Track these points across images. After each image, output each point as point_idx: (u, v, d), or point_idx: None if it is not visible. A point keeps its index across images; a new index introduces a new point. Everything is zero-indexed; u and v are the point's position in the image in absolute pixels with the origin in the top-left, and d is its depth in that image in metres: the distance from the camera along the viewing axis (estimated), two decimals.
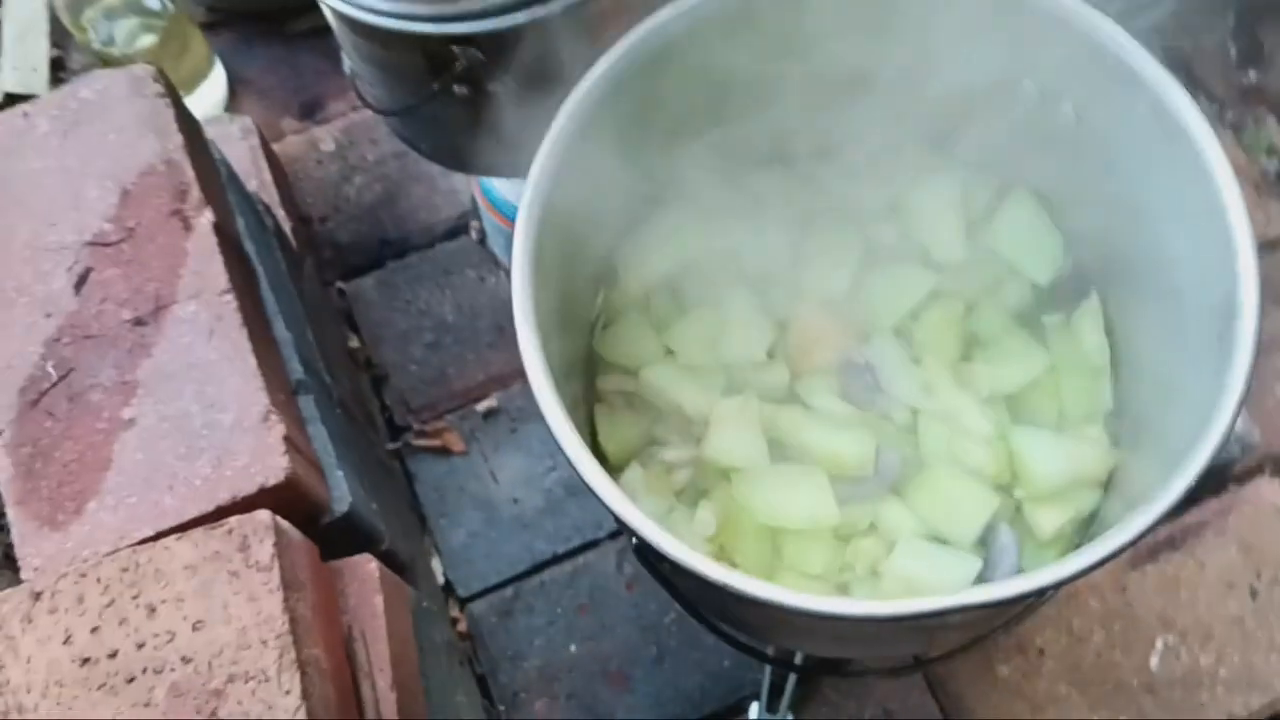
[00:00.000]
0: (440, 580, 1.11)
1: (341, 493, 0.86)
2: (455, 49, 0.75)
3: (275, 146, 1.28)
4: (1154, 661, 1.03)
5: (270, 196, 1.15)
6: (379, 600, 0.83)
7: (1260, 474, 1.13)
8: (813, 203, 0.76)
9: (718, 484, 0.72)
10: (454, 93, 0.79)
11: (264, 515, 0.75)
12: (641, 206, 0.75)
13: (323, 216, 1.25)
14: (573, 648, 1.08)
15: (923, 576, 0.67)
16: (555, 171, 0.61)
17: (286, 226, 1.13)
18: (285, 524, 0.76)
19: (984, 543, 0.70)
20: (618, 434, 0.74)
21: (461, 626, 1.09)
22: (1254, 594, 1.05)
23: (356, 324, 1.21)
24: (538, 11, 0.70)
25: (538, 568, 1.11)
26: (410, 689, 0.85)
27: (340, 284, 1.23)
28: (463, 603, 1.10)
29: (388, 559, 0.93)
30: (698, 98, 0.70)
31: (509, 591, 1.11)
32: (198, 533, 0.75)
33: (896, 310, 0.75)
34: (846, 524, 0.70)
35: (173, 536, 0.75)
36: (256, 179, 1.15)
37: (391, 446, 1.15)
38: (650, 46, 0.64)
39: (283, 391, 0.86)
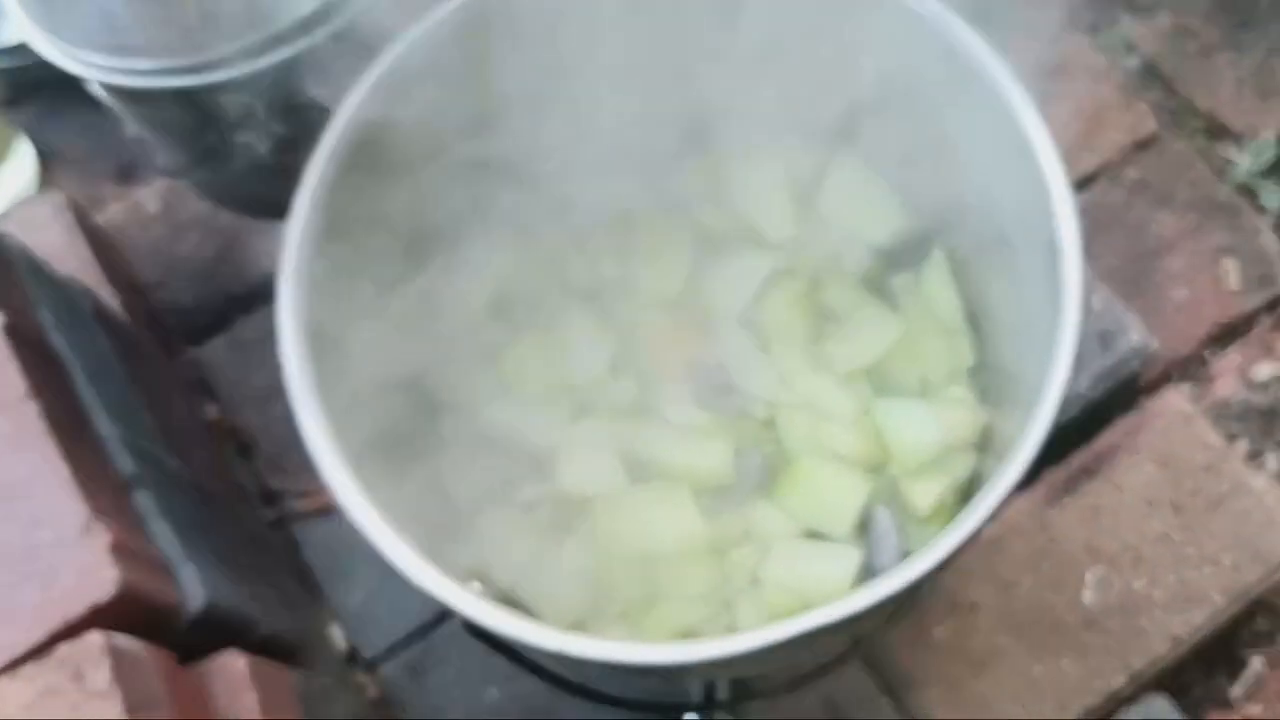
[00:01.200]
0: (343, 647, 1.05)
1: (195, 589, 0.79)
2: (221, 99, 0.69)
3: (99, 217, 1.20)
4: (1087, 595, 1.00)
5: (92, 274, 1.07)
6: (253, 697, 0.77)
7: (1166, 384, 1.10)
8: (635, 198, 0.71)
9: (580, 517, 0.67)
10: (236, 143, 0.73)
11: (95, 638, 0.68)
12: (448, 236, 0.69)
13: (158, 282, 1.18)
14: (494, 691, 1.02)
15: (802, 578, 0.62)
16: (317, 225, 0.55)
17: (114, 303, 1.06)
18: (124, 640, 0.70)
19: (864, 529, 0.66)
20: (468, 479, 0.69)
21: (373, 692, 1.03)
22: (1177, 508, 1.02)
23: (214, 390, 1.14)
24: (283, 53, 0.64)
25: (444, 615, 1.05)
26: None
27: (191, 350, 1.16)
28: (370, 666, 1.04)
29: (267, 645, 0.87)
30: (480, 108, 0.64)
31: (418, 646, 1.05)
32: (29, 668, 0.69)
33: (737, 300, 0.70)
34: (718, 537, 0.65)
35: (4, 677, 0.69)
36: (75, 258, 1.08)
37: (270, 517, 1.08)
38: (406, 68, 0.58)
39: (109, 493, 0.79)
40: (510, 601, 0.64)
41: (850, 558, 0.63)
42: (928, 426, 0.65)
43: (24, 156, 1.18)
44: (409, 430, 0.64)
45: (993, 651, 1.00)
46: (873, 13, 0.58)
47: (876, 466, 0.67)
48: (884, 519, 0.64)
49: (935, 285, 0.68)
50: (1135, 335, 1.07)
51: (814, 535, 0.65)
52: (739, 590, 0.65)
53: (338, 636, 1.06)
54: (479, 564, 0.66)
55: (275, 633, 0.91)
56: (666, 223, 0.71)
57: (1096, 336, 1.07)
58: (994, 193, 0.58)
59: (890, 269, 0.70)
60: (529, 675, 0.97)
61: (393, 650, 1.05)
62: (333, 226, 0.57)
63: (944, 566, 0.48)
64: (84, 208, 1.15)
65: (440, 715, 1.03)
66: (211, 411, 1.13)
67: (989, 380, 0.68)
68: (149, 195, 1.22)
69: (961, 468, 0.66)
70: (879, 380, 0.69)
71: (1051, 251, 0.52)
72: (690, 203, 0.72)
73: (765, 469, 0.66)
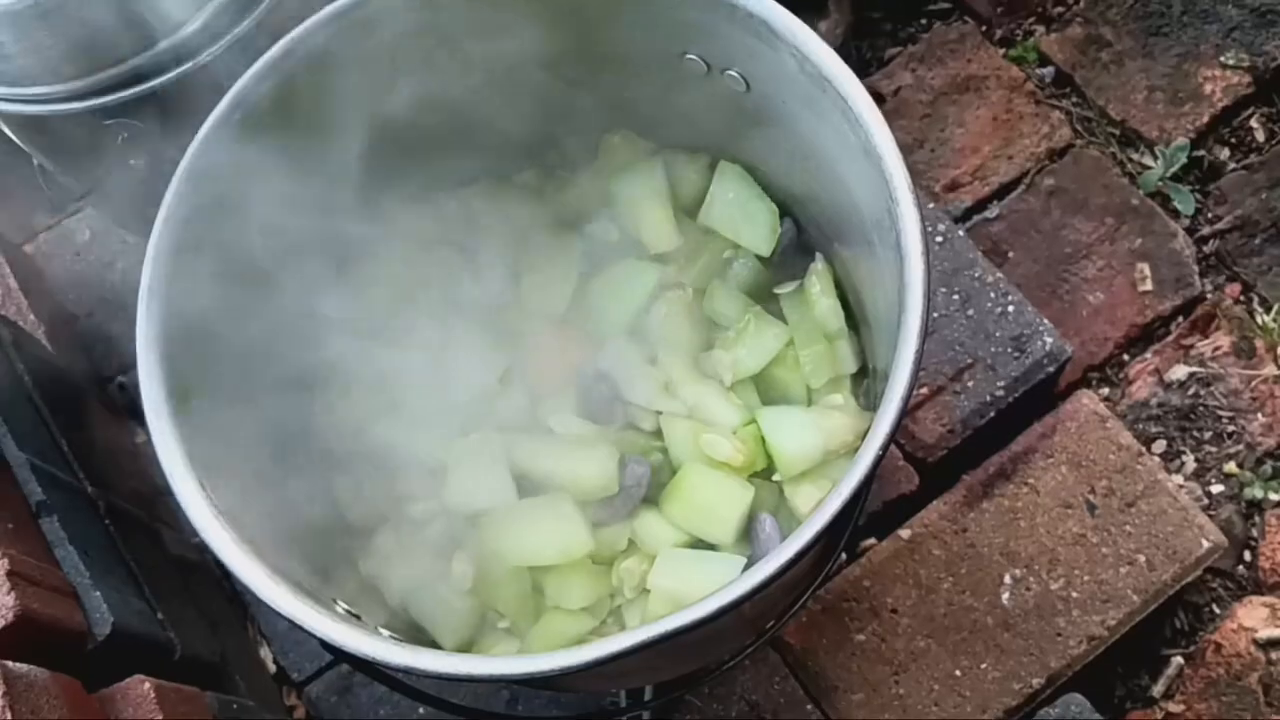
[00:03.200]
0: (272, 669, 1.05)
1: (102, 614, 0.80)
2: (109, 123, 0.70)
3: (28, 247, 1.20)
4: (1005, 597, 1.01)
5: (15, 305, 1.08)
6: None
7: (1080, 386, 1.11)
8: (528, 214, 0.72)
9: (469, 532, 0.68)
10: (129, 166, 0.74)
11: None
12: (340, 255, 0.70)
13: (88, 311, 1.18)
14: (420, 709, 1.02)
15: (685, 587, 0.63)
16: (181, 238, 0.56)
17: (38, 333, 1.06)
18: (20, 667, 0.70)
19: (749, 536, 0.67)
20: (361, 498, 0.69)
21: (300, 714, 1.03)
22: (1092, 509, 1.03)
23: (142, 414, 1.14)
24: (170, 75, 0.65)
25: None
26: None
27: (120, 378, 1.16)
28: (299, 687, 1.04)
29: (188, 668, 0.87)
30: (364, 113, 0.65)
31: (345, 666, 1.05)
32: None
33: (625, 311, 0.71)
34: (604, 548, 0.66)
35: None
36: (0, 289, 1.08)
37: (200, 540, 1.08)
38: (272, 84, 0.59)
39: (13, 520, 0.79)
40: (403, 621, 0.64)
41: (733, 564, 0.64)
42: (809, 433, 0.66)
43: None
44: (302, 451, 0.64)
45: (914, 654, 1.01)
46: (731, 29, 0.59)
47: (760, 474, 0.68)
48: (769, 524, 0.65)
49: (817, 294, 0.69)
50: (1049, 340, 1.08)
51: (700, 543, 0.66)
52: (627, 601, 0.66)
53: (268, 658, 1.06)
54: (373, 582, 0.67)
55: (196, 655, 0.91)
56: (555, 237, 0.72)
57: (1010, 341, 1.08)
58: (855, 194, 0.59)
59: (775, 279, 0.72)
60: (455, 688, 0.98)
61: (320, 671, 1.05)
62: (201, 241, 0.57)
63: (797, 562, 0.49)
64: (9, 238, 1.15)
65: None
66: (142, 435, 1.13)
67: (872, 385, 0.70)
68: (78, 224, 1.22)
69: (842, 472, 0.67)
70: (764, 388, 0.70)
71: (899, 253, 0.53)
72: (578, 218, 0.73)
73: (650, 479, 0.67)
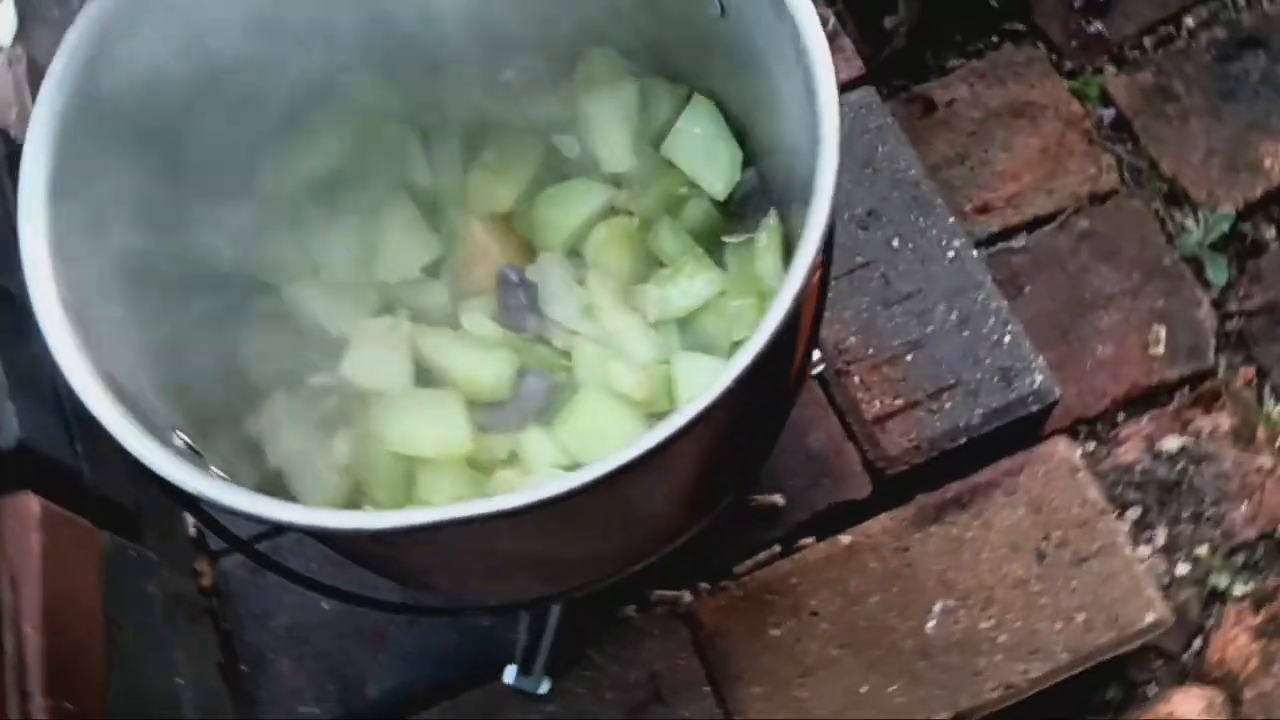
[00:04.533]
0: (192, 533, 1.05)
1: (10, 427, 0.80)
2: None
3: None
4: (930, 625, 0.98)
5: None
6: (36, 540, 0.77)
7: (1061, 433, 1.07)
8: (493, 110, 0.70)
9: (358, 410, 0.66)
10: None
11: None
12: (288, 106, 0.68)
13: None
14: (325, 605, 1.02)
15: None
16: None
17: None
18: None
19: None
20: (264, 357, 0.68)
21: (207, 581, 1.03)
22: (1041, 556, 0.99)
23: None
24: None
25: None
26: (76, 637, 0.79)
27: None
28: (214, 557, 1.04)
29: (92, 505, 0.87)
30: None
31: (265, 545, 1.04)
32: None
33: (566, 226, 0.69)
34: (484, 453, 0.64)
35: None
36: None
37: None
38: None
39: None
40: (276, 489, 0.63)
41: None
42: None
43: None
44: (209, 297, 0.63)
45: (824, 661, 0.98)
46: None
47: (660, 415, 0.65)
48: None
49: (763, 248, 0.67)
50: (1039, 378, 1.04)
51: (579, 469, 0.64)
52: None
53: (189, 521, 1.06)
54: (256, 442, 0.66)
55: (107, 496, 0.91)
56: (519, 140, 0.70)
57: (999, 371, 1.05)
58: (797, 144, 0.56)
59: (727, 227, 0.69)
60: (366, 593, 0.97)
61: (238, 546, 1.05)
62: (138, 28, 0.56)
63: (670, 444, 0.45)
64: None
65: (266, 617, 1.03)
66: None
67: None
68: None
69: None
70: (687, 332, 0.68)
71: (807, 206, 0.51)
72: (546, 127, 0.71)
73: (547, 396, 0.65)
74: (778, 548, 1.02)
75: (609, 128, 0.69)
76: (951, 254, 1.10)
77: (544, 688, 0.98)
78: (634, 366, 0.65)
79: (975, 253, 1.10)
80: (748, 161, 0.69)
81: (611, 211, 0.70)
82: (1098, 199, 1.19)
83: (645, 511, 0.58)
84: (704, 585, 1.01)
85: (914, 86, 1.26)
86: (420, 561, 0.62)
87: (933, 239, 1.10)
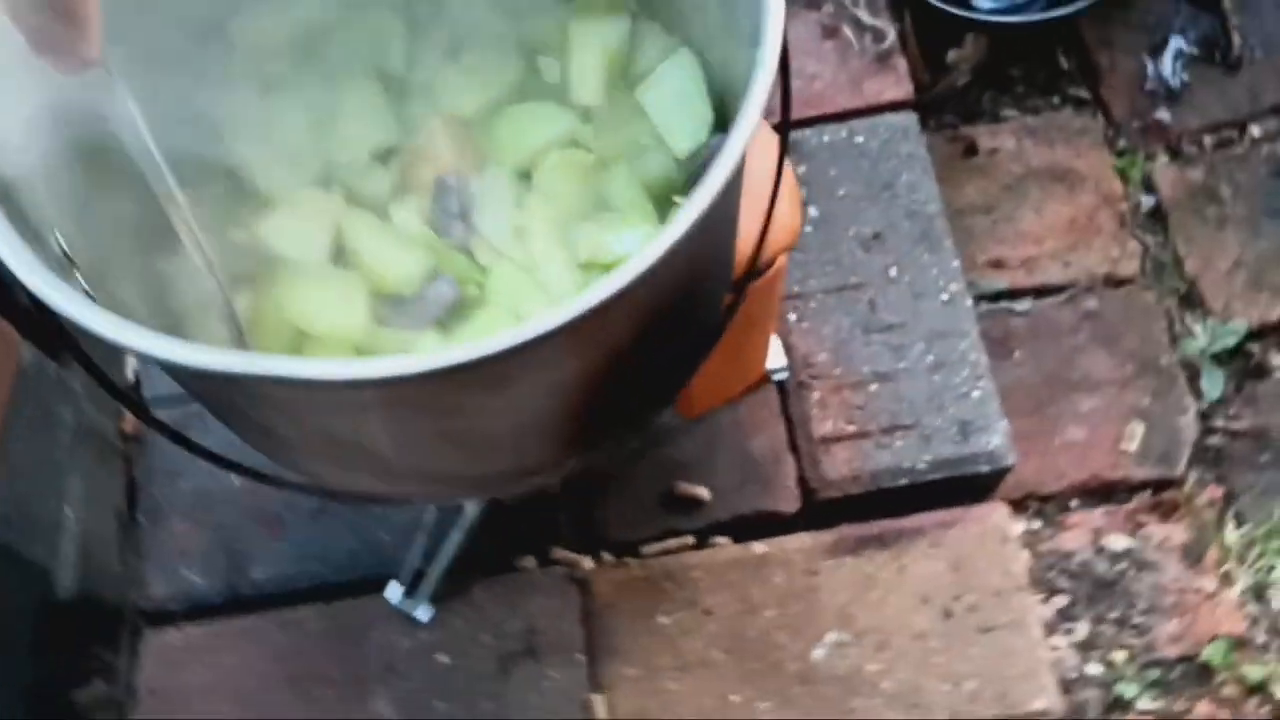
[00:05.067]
0: (131, 379, 1.05)
1: None
2: None
3: None
4: (818, 653, 0.95)
5: None
6: None
7: (1008, 503, 1.04)
8: (486, 17, 0.69)
9: (267, 274, 0.66)
10: None
11: None
12: None
13: None
14: (236, 481, 1.01)
15: None
16: None
17: None
18: None
19: None
20: (192, 202, 0.67)
21: (129, 425, 1.03)
22: (947, 615, 0.96)
23: None
24: None
25: None
26: None
27: None
28: (143, 402, 1.04)
29: (16, 306, 0.87)
30: None
31: (194, 408, 1.04)
32: None
33: (522, 145, 0.68)
34: (374, 345, 0.63)
35: None
36: None
37: None
38: None
39: None
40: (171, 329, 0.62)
41: None
42: None
43: None
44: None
45: (704, 661, 0.96)
46: None
47: None
48: None
49: None
50: (996, 441, 1.01)
51: None
52: None
53: (131, 365, 1.06)
54: (159, 281, 0.65)
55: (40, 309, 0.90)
56: (503, 51, 0.69)
57: (958, 423, 1.02)
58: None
59: (683, 188, 0.67)
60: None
61: (172, 401, 1.05)
62: None
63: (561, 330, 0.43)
64: None
65: (176, 475, 1.03)
66: None
67: None
68: None
69: None
70: None
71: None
72: (533, 45, 0.70)
73: (454, 306, 0.64)
74: (691, 539, 1.00)
75: (590, 58, 0.67)
76: (945, 296, 1.07)
77: (424, 614, 0.97)
78: (548, 299, 0.63)
79: (969, 302, 1.07)
80: (719, 128, 0.67)
81: (572, 144, 0.68)
82: (1113, 282, 1.15)
83: (532, 415, 0.56)
84: (607, 556, 1.00)
85: (961, 126, 1.23)
86: (290, 435, 0.61)
87: (931, 277, 1.08)
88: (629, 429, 0.66)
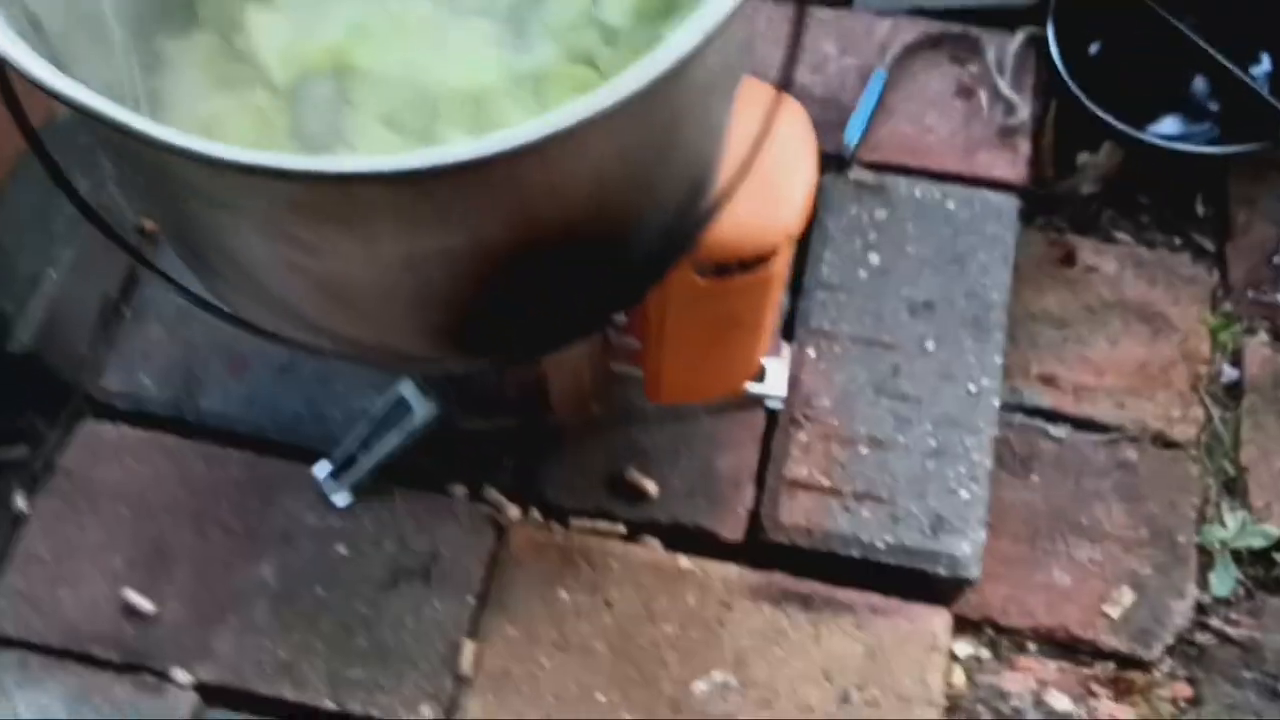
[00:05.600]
0: None
1: None
2: None
3: None
4: (700, 687, 0.91)
5: None
6: None
7: (966, 626, 0.97)
8: None
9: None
10: None
11: None
12: None
13: None
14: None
15: None
16: None
17: None
18: None
19: None
20: None
21: (149, 226, 1.04)
22: (844, 699, 0.91)
23: None
24: None
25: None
26: None
27: None
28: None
29: None
30: None
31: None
32: None
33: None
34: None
35: None
36: None
37: None
38: None
39: None
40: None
41: None
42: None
43: None
44: None
45: (584, 649, 0.92)
46: None
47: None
48: None
49: None
50: (965, 551, 0.95)
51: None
52: None
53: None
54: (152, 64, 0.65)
55: None
56: None
57: (932, 516, 0.96)
58: None
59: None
60: None
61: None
62: None
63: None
64: None
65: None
66: None
67: None
68: None
69: None
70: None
71: None
72: None
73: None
74: (622, 528, 0.97)
75: None
76: (973, 388, 1.01)
77: (341, 500, 0.96)
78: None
79: (996, 401, 1.00)
80: None
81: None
82: (1161, 441, 1.07)
83: (396, 282, 0.52)
84: (535, 514, 0.97)
85: (1068, 232, 1.16)
86: (196, 242, 0.59)
87: (966, 363, 1.01)
88: (514, 349, 0.62)
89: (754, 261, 0.70)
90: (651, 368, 0.85)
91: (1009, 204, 1.08)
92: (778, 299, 0.78)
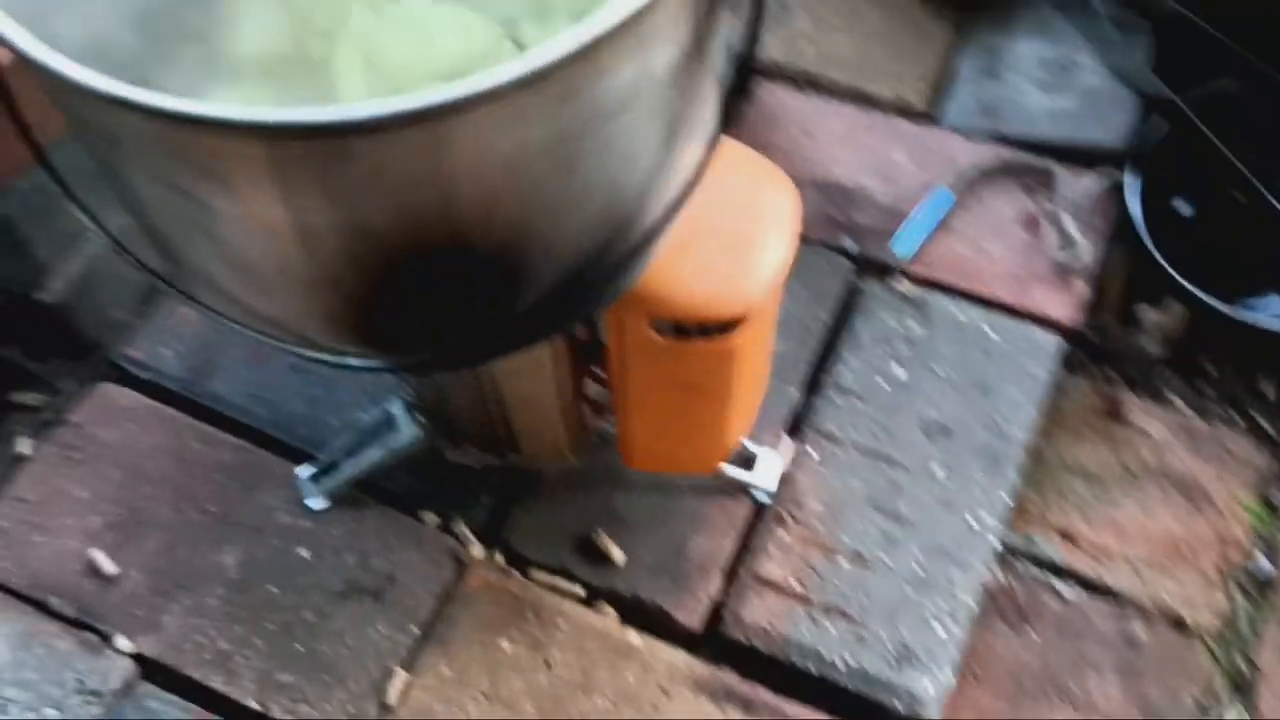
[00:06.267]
0: None
1: None
2: None
3: None
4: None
5: None
6: None
7: None
8: None
9: None
10: None
11: None
12: None
13: None
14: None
15: None
16: None
17: None
18: None
19: None
20: None
21: None
22: None
23: None
24: None
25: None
26: None
27: None
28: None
29: None
30: None
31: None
32: None
33: None
34: None
35: None
36: None
37: None
38: None
39: None
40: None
41: None
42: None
43: None
44: None
45: (511, 705, 0.90)
46: None
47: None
48: None
49: None
50: (928, 687, 0.90)
51: None
52: None
53: None
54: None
55: None
56: None
57: (901, 648, 0.91)
58: None
59: None
60: None
61: None
62: None
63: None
64: None
65: None
66: None
67: None
68: None
69: None
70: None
71: None
72: None
73: None
74: (581, 591, 0.94)
75: None
76: (974, 523, 0.96)
77: (316, 504, 0.97)
78: None
79: (995, 542, 0.96)
80: None
81: None
82: (1177, 625, 0.99)
83: (290, 255, 0.51)
84: (499, 556, 0.96)
85: (1119, 386, 1.10)
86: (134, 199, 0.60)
87: (971, 496, 0.97)
88: (415, 354, 0.61)
89: (712, 327, 0.68)
90: (621, 426, 0.84)
91: (1052, 343, 1.04)
92: (748, 375, 0.77)
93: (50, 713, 0.89)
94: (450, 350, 0.59)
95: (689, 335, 0.69)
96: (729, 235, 0.67)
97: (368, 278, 0.52)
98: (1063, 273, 1.07)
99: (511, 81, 0.41)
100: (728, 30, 0.57)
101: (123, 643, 0.92)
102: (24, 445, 1.00)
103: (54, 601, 0.94)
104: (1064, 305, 1.06)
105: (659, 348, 0.70)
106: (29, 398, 1.02)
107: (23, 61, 0.44)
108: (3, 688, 0.90)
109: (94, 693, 0.90)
